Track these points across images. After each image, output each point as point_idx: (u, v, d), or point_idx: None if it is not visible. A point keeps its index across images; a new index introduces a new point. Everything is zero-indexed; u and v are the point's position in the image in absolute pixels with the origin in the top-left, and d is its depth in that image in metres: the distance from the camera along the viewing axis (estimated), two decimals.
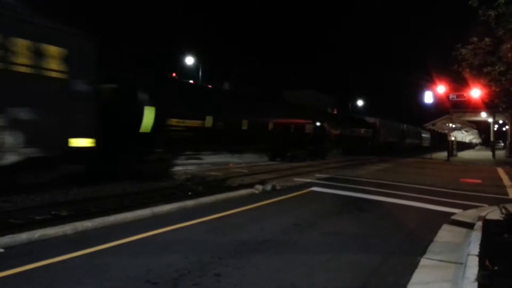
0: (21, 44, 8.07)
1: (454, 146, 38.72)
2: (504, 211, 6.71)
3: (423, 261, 5.17)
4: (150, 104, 11.71)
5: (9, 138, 7.98)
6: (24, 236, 5.55)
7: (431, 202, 9.82)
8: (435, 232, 6.71)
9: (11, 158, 8.05)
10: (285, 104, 23.69)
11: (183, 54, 39.31)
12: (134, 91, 11.73)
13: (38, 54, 8.40)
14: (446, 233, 6.77)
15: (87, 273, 4.47)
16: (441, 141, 56.48)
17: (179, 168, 15.14)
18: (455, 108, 35.38)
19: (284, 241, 6.05)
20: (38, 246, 5.39)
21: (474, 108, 33.31)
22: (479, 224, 6.73)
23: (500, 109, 14.70)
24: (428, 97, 31.11)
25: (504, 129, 52.22)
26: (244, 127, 16.91)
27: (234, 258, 5.10)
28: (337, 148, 31.54)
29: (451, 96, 29.38)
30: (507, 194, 12.12)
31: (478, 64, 10.17)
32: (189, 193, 10.43)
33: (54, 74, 8.73)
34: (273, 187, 11.31)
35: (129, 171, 11.77)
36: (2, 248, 5.19)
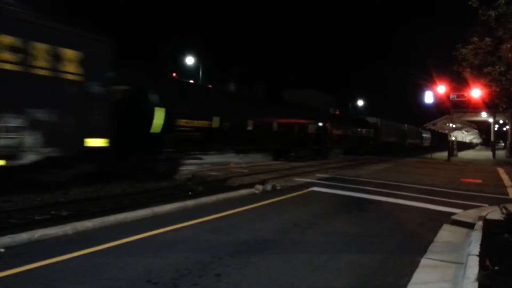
0: (40, 48, 8.40)
1: (455, 146, 38.71)
2: (504, 211, 6.69)
3: (424, 261, 5.17)
4: (160, 105, 12.01)
5: (29, 138, 8.26)
6: (24, 236, 5.55)
7: (432, 202, 9.82)
8: (435, 232, 6.70)
9: (30, 158, 8.32)
10: (289, 105, 23.99)
11: (183, 54, 39.36)
12: (145, 93, 12.04)
13: (56, 58, 8.73)
14: (446, 233, 6.76)
15: (87, 273, 4.47)
16: (442, 141, 56.50)
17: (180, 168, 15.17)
18: (455, 108, 35.42)
19: (284, 241, 6.05)
20: (38, 246, 5.39)
21: (474, 108, 33.34)
22: (480, 224, 6.73)
23: (501, 109, 14.68)
24: (428, 97, 31.18)
25: (504, 129, 52.23)
26: (250, 127, 17.26)
27: (234, 258, 5.10)
28: (339, 148, 31.76)
29: (451, 96, 29.42)
30: (507, 194, 12.12)
31: (478, 64, 10.17)
32: (189, 193, 10.44)
33: (71, 77, 9.06)
34: (274, 187, 11.31)
35: (140, 170, 12.03)
36: (3, 248, 5.19)
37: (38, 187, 9.11)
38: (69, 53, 8.97)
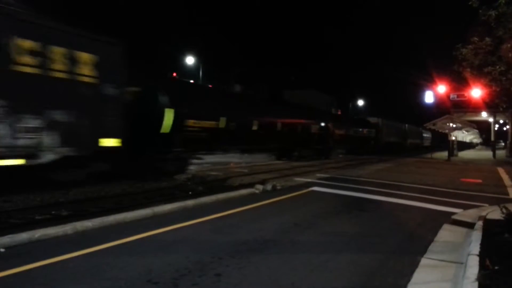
0: (57, 52, 8.75)
1: (455, 146, 38.70)
2: (504, 210, 6.70)
3: (424, 261, 5.17)
4: (169, 106, 12.37)
5: (47, 138, 8.61)
6: (24, 236, 5.55)
7: (432, 202, 9.82)
8: (435, 232, 6.70)
9: (48, 157, 8.65)
10: (292, 105, 24.30)
11: (183, 54, 39.35)
12: (155, 94, 12.41)
13: (72, 61, 9.09)
14: (446, 233, 6.76)
15: (87, 273, 4.47)
16: (442, 140, 56.55)
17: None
18: (455, 108, 35.40)
19: (284, 241, 6.05)
20: (38, 246, 5.39)
21: (474, 108, 33.32)
22: (480, 224, 6.73)
23: (501, 109, 14.69)
24: (428, 97, 31.17)
25: (504, 128, 52.24)
26: (255, 127, 17.64)
27: (234, 258, 5.10)
28: (341, 148, 32.04)
29: (451, 96, 29.41)
30: (507, 194, 12.11)
31: (478, 64, 10.17)
32: (189, 193, 10.44)
33: (86, 79, 9.43)
34: (274, 187, 11.31)
35: (150, 169, 12.36)
36: (3, 247, 5.19)
37: (54, 186, 9.41)
38: (84, 56, 9.33)
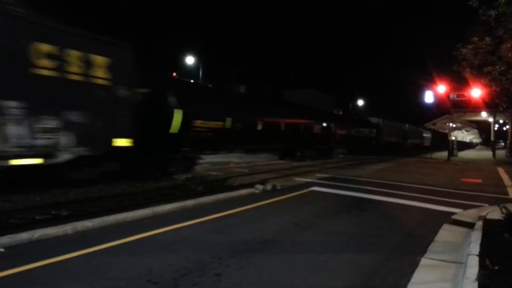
0: (73, 55, 9.08)
1: (455, 146, 38.70)
2: (504, 210, 6.70)
3: (424, 261, 5.17)
4: (178, 106, 12.68)
5: (63, 139, 8.92)
6: (24, 236, 5.55)
7: (432, 202, 9.82)
8: (435, 232, 6.70)
9: (64, 156, 8.98)
10: (295, 106, 24.61)
11: (183, 54, 39.33)
12: (164, 95, 12.72)
13: (87, 64, 9.42)
14: (446, 233, 6.76)
15: (87, 273, 4.48)
16: (442, 140, 56.55)
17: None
18: (455, 107, 35.38)
19: (284, 241, 6.05)
20: (38, 246, 5.40)
21: (474, 108, 33.30)
22: (480, 224, 6.73)
23: (501, 108, 14.70)
24: (428, 97, 31.09)
25: (504, 128, 52.22)
26: (259, 127, 18.00)
27: (234, 258, 5.10)
28: (343, 148, 32.34)
29: (451, 96, 29.36)
30: (507, 194, 12.11)
31: (478, 63, 10.18)
32: (189, 192, 10.44)
33: (100, 81, 9.75)
34: (274, 187, 11.31)
35: (159, 168, 12.73)
36: (2, 247, 5.19)
37: (69, 184, 9.75)
38: (99, 59, 9.66)
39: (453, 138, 37.88)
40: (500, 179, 16.56)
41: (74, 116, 9.12)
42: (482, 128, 55.61)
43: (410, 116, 58.04)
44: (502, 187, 13.78)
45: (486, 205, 9.30)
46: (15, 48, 8.10)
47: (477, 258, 4.69)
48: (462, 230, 6.93)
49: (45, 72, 8.53)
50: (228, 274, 4.58)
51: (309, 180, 13.48)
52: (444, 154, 36.78)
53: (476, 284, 3.95)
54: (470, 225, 6.96)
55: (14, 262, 4.66)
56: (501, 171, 20.36)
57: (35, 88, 8.37)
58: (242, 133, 16.59)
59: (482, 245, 5.28)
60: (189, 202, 8.50)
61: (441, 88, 28.20)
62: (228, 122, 15.54)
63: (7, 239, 5.36)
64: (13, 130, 8.01)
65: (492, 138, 43.32)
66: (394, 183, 13.44)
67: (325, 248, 5.76)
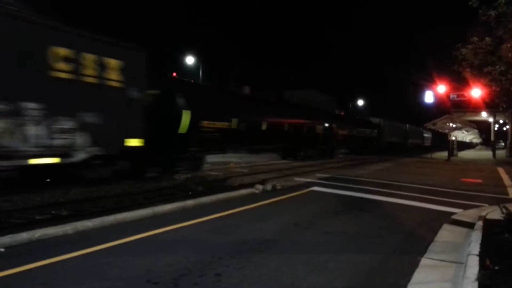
0: (89, 58, 9.35)
1: (455, 146, 38.70)
2: (504, 210, 6.70)
3: (424, 261, 5.17)
4: (186, 107, 13.04)
5: (79, 139, 9.21)
6: (24, 236, 5.55)
7: (432, 202, 9.82)
8: (435, 232, 6.71)
9: (80, 156, 9.28)
10: (298, 106, 24.83)
11: (183, 54, 39.31)
12: (173, 96, 13.03)
13: (102, 67, 9.70)
14: (446, 233, 6.76)
15: (87, 272, 4.48)
16: (442, 140, 56.55)
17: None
18: (455, 107, 35.38)
19: (284, 241, 6.05)
20: (38, 246, 5.40)
21: (474, 108, 33.29)
22: (480, 224, 6.73)
23: (501, 108, 14.73)
24: (428, 97, 31.08)
25: (504, 128, 52.22)
26: (263, 128, 18.33)
27: (234, 258, 5.11)
28: (344, 148, 32.63)
29: (451, 96, 29.35)
30: (507, 194, 12.11)
31: (478, 63, 10.18)
32: (189, 193, 10.45)
33: (114, 84, 10.03)
34: (274, 187, 11.31)
35: (169, 168, 13.03)
36: (3, 247, 5.20)
37: (83, 183, 10.04)
38: (112, 62, 9.94)
39: (453, 138, 37.88)
40: (500, 179, 16.56)
41: (89, 117, 9.40)
42: (482, 128, 55.59)
43: (410, 116, 58.01)
44: (502, 187, 13.78)
45: (486, 205, 9.30)
46: (35, 52, 8.38)
47: (477, 258, 4.70)
48: (462, 230, 6.93)
49: (62, 75, 8.82)
50: (228, 274, 4.58)
51: (309, 180, 13.48)
52: (444, 154, 36.77)
53: (476, 284, 3.95)
54: (470, 225, 6.96)
55: (14, 262, 4.66)
56: (501, 171, 20.35)
57: (53, 90, 8.65)
58: (247, 133, 16.91)
59: (482, 245, 5.28)
60: (189, 202, 8.50)
61: (441, 88, 28.19)
62: (234, 122, 15.86)
63: (7, 239, 5.37)
64: (32, 130, 8.27)
65: (492, 138, 43.31)
66: (394, 183, 13.44)
67: (325, 248, 5.76)
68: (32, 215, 7.43)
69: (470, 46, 9.98)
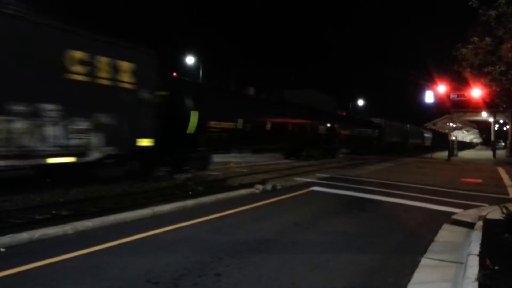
0: (103, 61, 9.67)
1: (455, 146, 38.70)
2: (504, 210, 6.70)
3: (424, 261, 5.17)
4: (194, 108, 13.33)
5: (94, 139, 9.53)
6: (24, 236, 5.55)
7: (432, 202, 9.82)
8: (435, 232, 6.70)
9: (95, 155, 9.60)
10: (301, 107, 25.06)
11: (183, 53, 39.31)
12: (181, 98, 13.34)
13: (115, 69, 10.02)
14: (446, 233, 6.76)
15: (87, 272, 4.47)
16: (442, 140, 56.57)
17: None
18: (455, 107, 35.39)
19: (284, 241, 6.05)
20: (38, 246, 5.40)
21: (474, 108, 33.29)
22: (480, 223, 6.73)
23: (501, 108, 14.72)
24: (428, 97, 31.12)
25: (504, 128, 52.22)
26: (268, 128, 18.70)
27: (234, 258, 5.10)
28: (346, 148, 32.91)
29: (451, 96, 29.37)
30: (507, 194, 12.10)
31: (478, 63, 10.18)
32: (189, 192, 10.46)
33: (126, 86, 10.36)
34: (274, 187, 11.31)
35: (177, 167, 13.40)
36: (3, 247, 5.19)
37: (97, 181, 10.36)
38: (125, 65, 10.27)
39: (453, 138, 37.88)
40: (500, 179, 16.56)
41: (104, 118, 9.71)
42: (482, 128, 55.61)
43: (410, 116, 58.00)
44: (502, 187, 13.78)
45: (486, 205, 9.30)
46: (54, 56, 8.66)
47: (477, 258, 4.69)
48: (463, 230, 6.93)
49: (78, 77, 9.13)
50: (228, 274, 4.57)
51: (309, 180, 13.48)
52: (445, 154, 36.77)
53: (476, 284, 3.95)
54: (470, 225, 6.96)
55: (14, 262, 4.66)
56: (501, 171, 20.35)
57: (69, 92, 8.95)
58: (252, 133, 17.23)
59: (482, 245, 5.28)
60: (189, 202, 8.50)
61: (441, 88, 28.21)
62: (240, 122, 16.18)
63: (7, 239, 5.36)
64: (50, 130, 8.56)
65: (492, 138, 43.33)
66: (395, 183, 13.43)
67: (325, 248, 5.76)
68: (32, 215, 7.43)
69: (470, 46, 9.98)
